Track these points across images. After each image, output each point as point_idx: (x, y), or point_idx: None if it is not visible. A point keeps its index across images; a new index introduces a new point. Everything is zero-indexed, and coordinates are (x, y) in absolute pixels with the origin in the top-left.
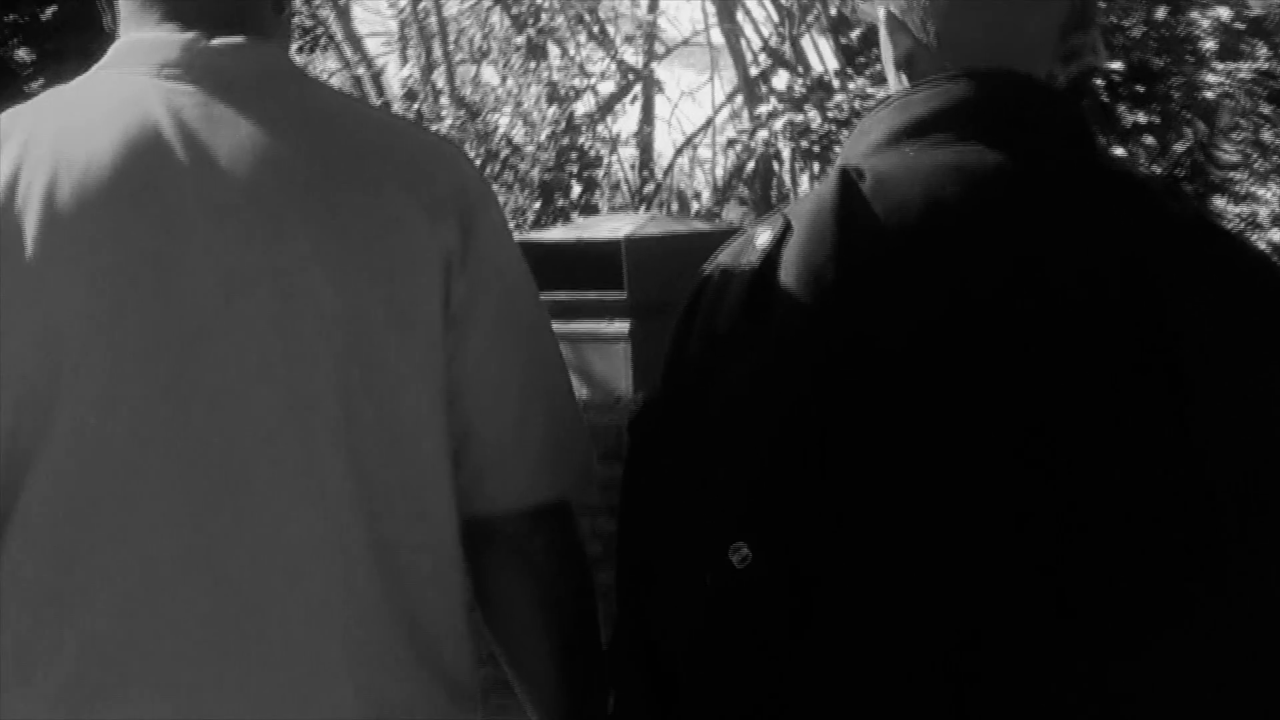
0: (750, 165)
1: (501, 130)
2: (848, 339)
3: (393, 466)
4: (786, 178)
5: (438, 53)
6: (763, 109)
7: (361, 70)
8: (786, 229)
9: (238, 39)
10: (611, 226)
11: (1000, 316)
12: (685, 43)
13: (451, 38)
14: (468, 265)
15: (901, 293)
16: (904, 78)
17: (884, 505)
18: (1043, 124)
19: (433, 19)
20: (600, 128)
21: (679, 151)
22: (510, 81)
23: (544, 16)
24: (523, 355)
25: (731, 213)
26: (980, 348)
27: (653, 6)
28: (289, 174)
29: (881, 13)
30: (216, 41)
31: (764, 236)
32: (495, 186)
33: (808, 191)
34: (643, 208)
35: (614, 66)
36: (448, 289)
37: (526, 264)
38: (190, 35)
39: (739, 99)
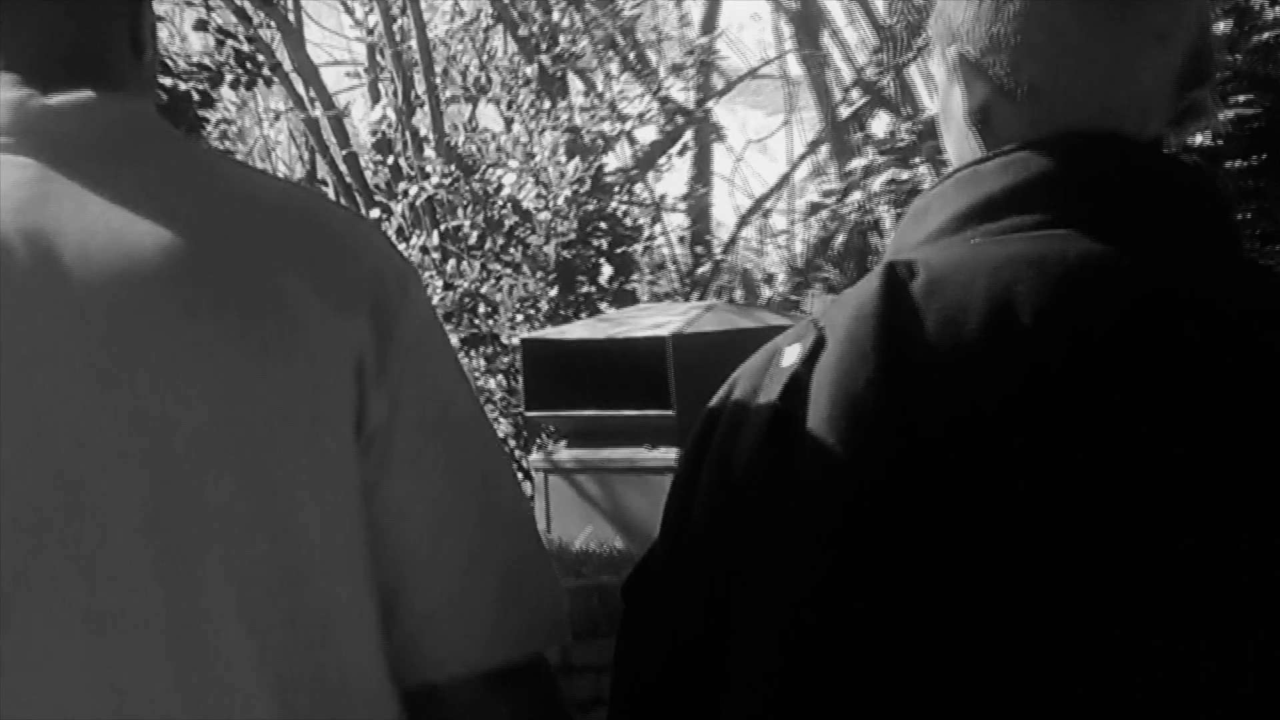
0: (840, 238)
1: (506, 191)
2: (892, 489)
3: (301, 626)
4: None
5: (420, 87)
6: (856, 163)
7: (318, 111)
8: (819, 343)
9: (84, 94)
10: (654, 321)
11: (1097, 479)
12: (752, 74)
13: (438, 67)
14: (386, 373)
15: (961, 434)
16: (974, 140)
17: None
18: (1166, 206)
19: (413, 42)
20: (639, 188)
21: (744, 219)
22: (518, 126)
23: (563, 39)
24: (464, 484)
25: (816, 303)
26: (1075, 516)
27: (709, 25)
28: (154, 265)
29: (950, 56)
30: (57, 100)
31: (791, 353)
32: (497, 265)
33: (846, 292)
34: (695, 295)
35: (657, 106)
36: (361, 403)
37: (459, 366)
38: (21, 93)
39: (824, 150)
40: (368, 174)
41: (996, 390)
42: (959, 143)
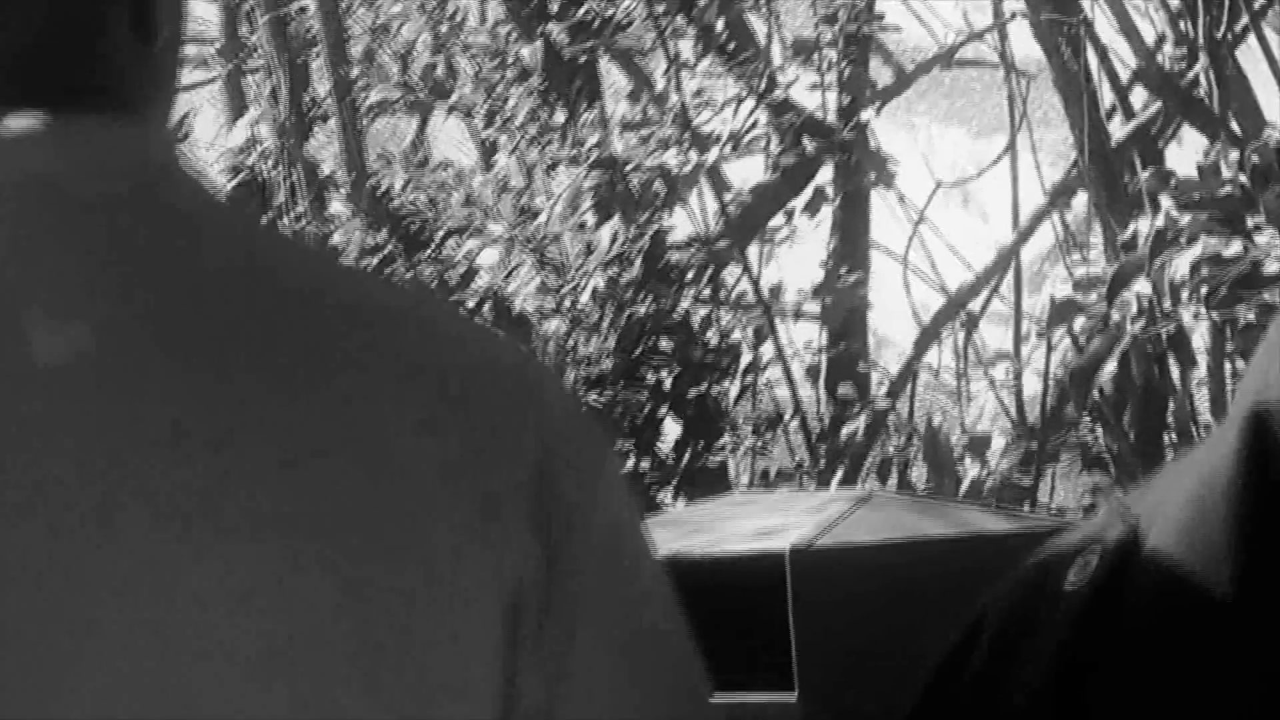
0: (1110, 367)
1: (483, 277)
2: None
3: None
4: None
5: (323, 85)
6: (1140, 225)
7: None
8: (1130, 546)
9: (56, 118)
10: (760, 525)
11: None
12: (947, 59)
13: (356, 47)
14: (554, 608)
15: None
16: None
17: None
18: None
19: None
20: (731, 272)
21: (929, 333)
22: (505, 157)
23: None
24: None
25: (1068, 494)
26: None
27: None
28: (164, 403)
29: None
30: (20, 124)
31: (1082, 565)
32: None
33: (1175, 462)
34: (838, 476)
35: (766, 117)
36: (514, 654)
37: (670, 590)
38: None
39: (1078, 200)
40: None
41: None
42: None
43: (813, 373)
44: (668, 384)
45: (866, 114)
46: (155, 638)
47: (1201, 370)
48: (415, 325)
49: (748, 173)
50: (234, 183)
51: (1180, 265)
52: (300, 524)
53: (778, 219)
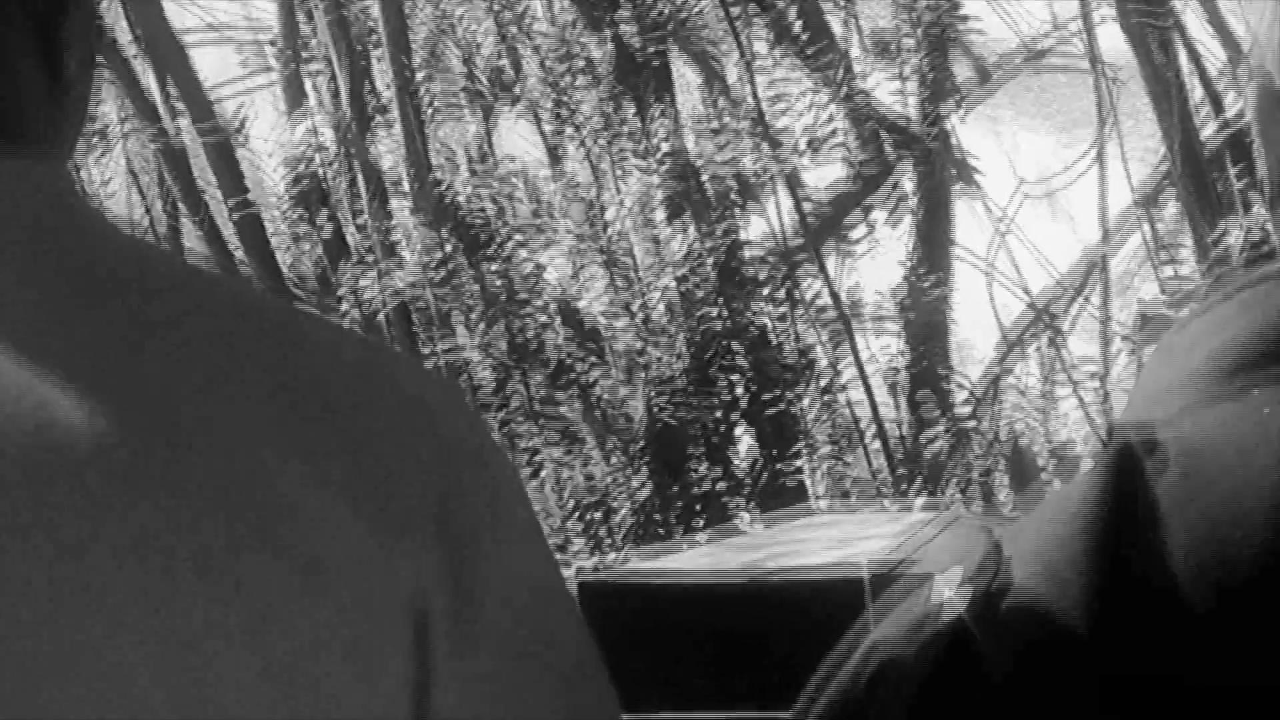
0: None
1: (551, 285)
2: None
3: None
4: None
5: (384, 81)
6: (1231, 232)
7: (184, 129)
8: (993, 573)
9: None
10: (839, 543)
11: None
12: (1033, 55)
13: (419, 43)
14: (461, 624)
15: None
16: None
17: None
18: None
19: None
20: (809, 282)
21: (1014, 344)
22: (574, 160)
23: None
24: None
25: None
26: None
27: None
28: (87, 456)
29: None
30: None
31: (944, 586)
32: (531, 431)
33: (1049, 488)
34: (921, 493)
35: (844, 117)
36: (422, 670)
37: (576, 612)
38: None
39: (1169, 207)
40: (279, 252)
41: None
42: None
43: (892, 383)
44: (742, 395)
45: (948, 113)
46: (91, 659)
47: None
48: (313, 348)
49: (825, 175)
50: (293, 183)
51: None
52: (199, 549)
53: (858, 226)
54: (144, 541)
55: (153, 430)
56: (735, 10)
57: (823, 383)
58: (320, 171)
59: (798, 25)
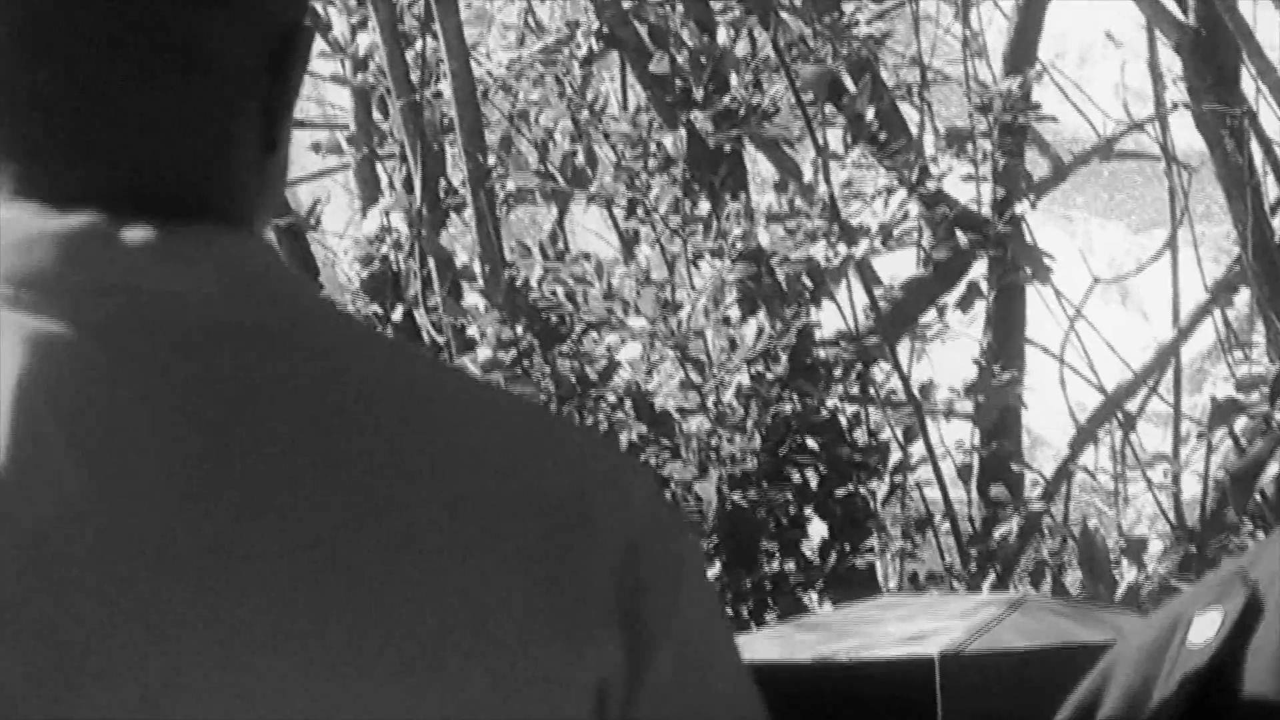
0: (1271, 469)
1: (623, 374)
2: None
3: None
4: None
5: (457, 173)
6: None
7: None
8: (1252, 607)
9: (184, 228)
10: (911, 630)
11: None
12: (1106, 149)
13: (494, 133)
14: (638, 701)
15: None
16: None
17: None
18: None
19: (446, 85)
20: (881, 370)
21: (1085, 434)
22: (647, 249)
23: (737, 83)
24: None
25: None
26: None
27: (1021, 52)
28: (290, 531)
29: None
30: (134, 236)
31: (1206, 624)
32: None
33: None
34: (990, 580)
35: (918, 208)
36: None
37: (749, 686)
38: (80, 221)
39: (1241, 297)
40: None
41: None
42: None
43: (964, 473)
44: (814, 483)
45: (1022, 207)
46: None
47: None
48: (508, 427)
49: (898, 267)
50: (366, 273)
51: None
52: (387, 623)
53: (929, 314)
54: (365, 632)
55: (370, 521)
56: (811, 104)
57: (894, 472)
58: (393, 259)
59: (873, 119)
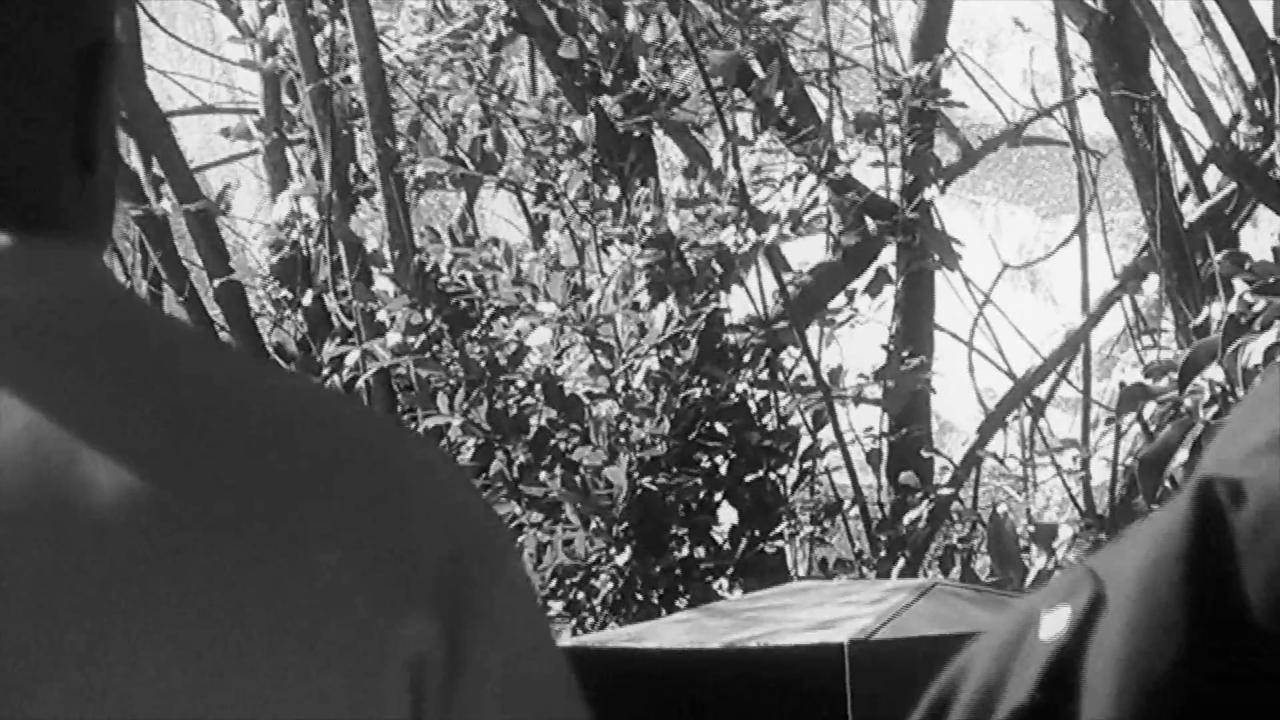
0: (1181, 455)
1: (533, 358)
2: None
3: None
4: None
5: (367, 158)
6: (1213, 309)
7: (166, 203)
8: (1096, 604)
9: (17, 241)
10: (819, 617)
11: None
12: (1015, 135)
13: (403, 117)
14: (458, 684)
15: None
16: None
17: None
18: None
19: (355, 70)
20: (790, 355)
21: (994, 419)
22: (556, 234)
23: (646, 66)
24: None
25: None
26: None
27: (929, 40)
28: (114, 526)
29: None
30: None
31: (1054, 621)
32: (513, 505)
33: (1136, 525)
34: (898, 567)
35: (827, 195)
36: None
37: (568, 676)
38: None
39: (1149, 284)
40: (261, 323)
41: None
42: None
43: (873, 459)
44: (724, 469)
45: (931, 192)
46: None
47: None
48: (333, 429)
49: (808, 252)
50: (276, 258)
51: (1255, 351)
52: (231, 612)
53: (838, 300)
54: (167, 599)
55: (187, 497)
56: (720, 89)
57: (804, 457)
58: (303, 244)
59: (782, 105)
